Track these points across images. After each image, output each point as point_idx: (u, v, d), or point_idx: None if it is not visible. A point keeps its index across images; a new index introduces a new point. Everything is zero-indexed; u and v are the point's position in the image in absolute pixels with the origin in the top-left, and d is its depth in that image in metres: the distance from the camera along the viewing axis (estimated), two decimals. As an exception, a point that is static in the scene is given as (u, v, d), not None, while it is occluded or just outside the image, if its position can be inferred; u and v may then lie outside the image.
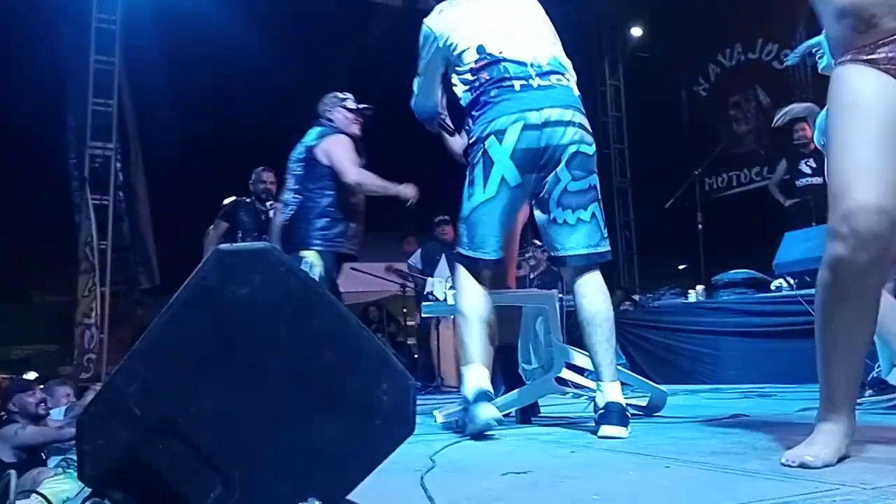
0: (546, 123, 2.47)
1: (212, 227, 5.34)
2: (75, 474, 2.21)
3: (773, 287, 5.23)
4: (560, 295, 6.23)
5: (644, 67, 10.23)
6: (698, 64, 9.50)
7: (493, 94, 2.52)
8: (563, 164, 2.50)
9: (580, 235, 2.53)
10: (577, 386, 3.90)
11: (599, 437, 2.38)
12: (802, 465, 1.58)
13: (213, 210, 5.74)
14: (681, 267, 9.70)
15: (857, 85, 1.56)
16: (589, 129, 2.60)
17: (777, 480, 1.51)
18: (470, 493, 1.61)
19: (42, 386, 4.56)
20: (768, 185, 7.22)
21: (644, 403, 3.17)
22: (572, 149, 2.50)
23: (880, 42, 1.55)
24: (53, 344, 9.80)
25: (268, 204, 5.26)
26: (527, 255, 6.96)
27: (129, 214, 8.31)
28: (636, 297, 7.86)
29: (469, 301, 2.59)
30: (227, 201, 5.37)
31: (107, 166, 7.61)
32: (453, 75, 2.69)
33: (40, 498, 1.40)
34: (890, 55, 1.54)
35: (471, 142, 2.62)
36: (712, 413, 3.09)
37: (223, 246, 1.12)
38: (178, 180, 8.29)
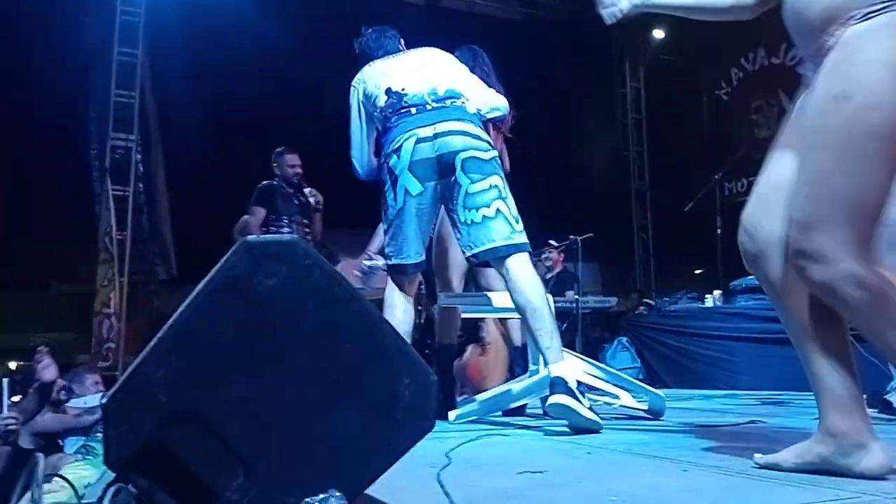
0: (437, 135, 2.73)
1: (247, 215, 5.14)
2: (95, 460, 2.23)
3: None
4: (576, 296, 6.25)
5: (665, 70, 10.18)
6: (721, 68, 9.44)
7: (393, 120, 2.85)
8: (458, 169, 2.71)
9: (489, 231, 2.70)
10: (591, 389, 3.90)
11: (547, 406, 2.59)
12: (768, 465, 1.63)
13: (231, 203, 5.75)
14: (697, 271, 9.65)
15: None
16: (484, 138, 2.81)
17: (796, 487, 1.50)
18: (487, 489, 1.62)
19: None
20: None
21: (645, 407, 3.17)
22: (465, 154, 2.72)
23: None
24: (70, 332, 9.89)
25: (306, 190, 5.14)
26: (542, 256, 6.95)
27: (149, 206, 8.38)
28: (651, 301, 7.84)
29: (394, 317, 2.79)
30: (261, 185, 5.17)
31: (128, 158, 7.67)
32: (375, 122, 2.98)
33: (63, 482, 1.42)
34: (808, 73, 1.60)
35: (378, 164, 2.94)
36: (729, 419, 3.08)
37: (251, 237, 1.13)
38: (197, 173, 8.33)
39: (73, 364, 6.72)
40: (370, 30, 3.19)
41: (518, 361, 5.37)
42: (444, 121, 2.76)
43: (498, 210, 2.71)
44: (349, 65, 3.19)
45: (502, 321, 5.53)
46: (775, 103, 8.65)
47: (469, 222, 2.73)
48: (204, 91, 7.99)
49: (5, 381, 3.75)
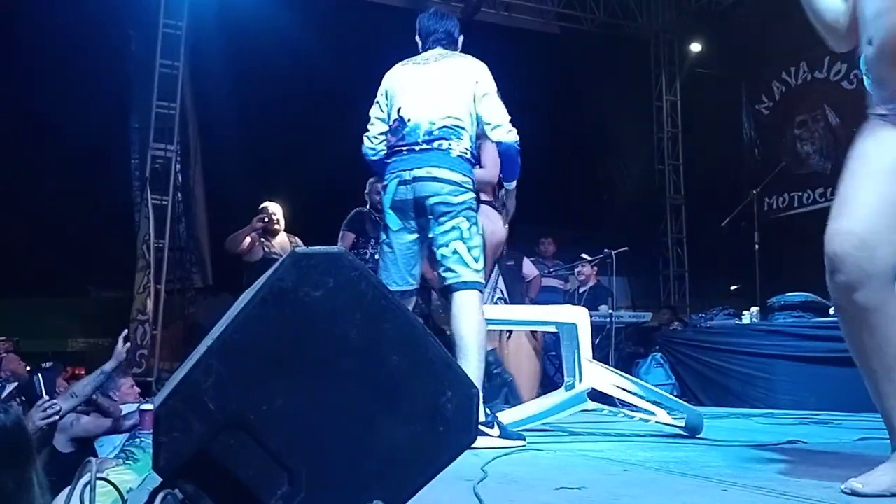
0: (414, 178, 3.00)
1: (339, 237, 5.46)
2: (136, 465, 2.27)
3: (832, 311, 5.09)
4: (610, 311, 6.21)
5: (702, 84, 10.09)
6: (762, 82, 9.31)
7: (390, 159, 3.13)
8: (429, 212, 2.99)
9: (454, 264, 2.96)
10: (624, 404, 3.88)
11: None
12: (851, 492, 1.57)
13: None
14: (733, 287, 9.52)
15: (864, 139, 1.74)
16: (459, 181, 3.00)
17: (842, 510, 1.48)
18: (525, 505, 1.61)
19: None
20: (831, 206, 7.03)
21: (682, 425, 3.13)
22: (434, 199, 2.97)
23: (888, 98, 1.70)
24: (108, 338, 10.04)
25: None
26: (575, 271, 6.91)
27: (186, 215, 8.51)
28: (684, 318, 7.75)
29: None
30: (353, 211, 5.51)
31: (167, 167, 7.80)
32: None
33: (108, 485, 1.44)
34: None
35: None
36: (767, 438, 3.03)
37: (299, 249, 1.14)
38: (234, 183, 8.46)
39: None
40: (432, 10, 3.40)
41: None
42: (423, 166, 3.00)
43: (455, 250, 2.96)
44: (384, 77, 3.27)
45: (534, 335, 5.53)
46: (821, 117, 8.50)
47: (440, 258, 3.00)
48: (243, 103, 8.12)
49: (39, 375, 3.83)
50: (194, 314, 8.93)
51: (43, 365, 6.08)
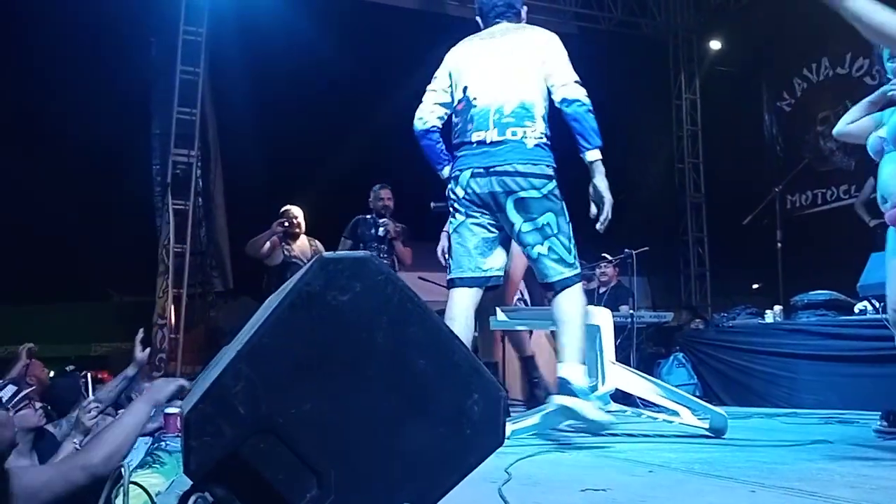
0: (490, 173, 2.91)
1: (339, 245, 5.69)
2: (163, 469, 2.29)
3: (856, 310, 5.03)
4: (631, 311, 6.17)
5: (721, 82, 10.02)
6: (782, 79, 9.22)
7: (458, 143, 3.05)
8: (510, 209, 2.92)
9: (546, 267, 2.95)
10: (646, 404, 3.86)
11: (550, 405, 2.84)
12: None
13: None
14: (755, 286, 9.43)
15: None
16: (538, 173, 2.91)
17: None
18: (551, 506, 1.61)
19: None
20: (854, 203, 6.96)
21: (706, 426, 3.11)
22: (515, 196, 2.91)
23: None
24: (130, 342, 10.12)
25: (380, 221, 5.59)
26: (598, 271, 6.88)
27: (207, 220, 8.59)
28: (705, 316, 7.68)
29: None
30: (353, 220, 5.71)
31: (188, 173, 7.87)
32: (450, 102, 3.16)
33: (137, 489, 1.46)
34: None
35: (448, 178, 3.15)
36: (792, 438, 3.00)
37: (327, 254, 1.15)
38: (253, 188, 8.53)
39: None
40: None
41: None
42: (501, 164, 2.90)
43: (550, 248, 2.93)
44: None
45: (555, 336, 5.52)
46: (842, 113, 8.38)
47: (531, 256, 2.99)
48: (262, 109, 8.19)
49: (88, 374, 3.90)
50: (215, 318, 9.00)
51: (66, 369, 6.15)
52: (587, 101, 2.92)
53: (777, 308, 5.75)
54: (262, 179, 8.53)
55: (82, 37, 7.65)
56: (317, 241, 5.93)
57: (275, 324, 1.11)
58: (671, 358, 6.26)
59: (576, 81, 2.94)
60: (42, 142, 8.84)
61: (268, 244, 5.66)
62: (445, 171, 3.16)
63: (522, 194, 2.90)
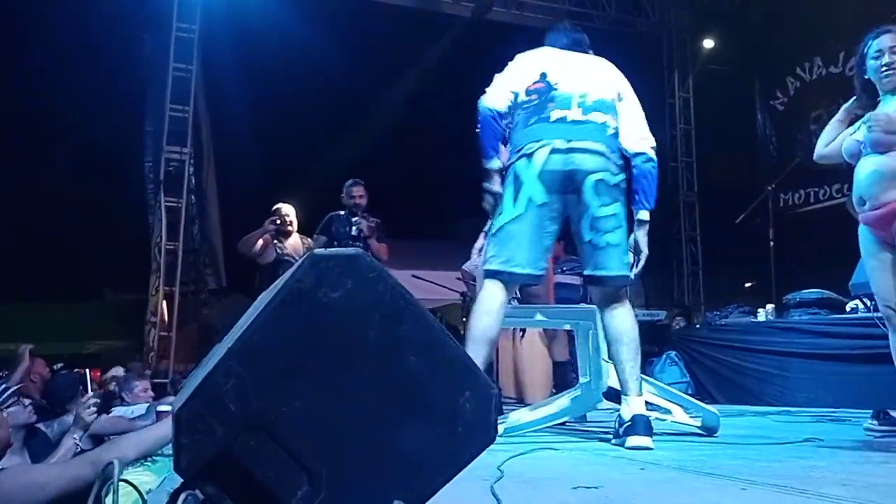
0: (571, 150, 2.68)
1: (313, 241, 5.67)
2: (154, 467, 2.28)
3: (848, 308, 5.06)
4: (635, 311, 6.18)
5: (715, 80, 10.04)
6: (775, 77, 9.25)
7: (531, 121, 2.77)
8: (588, 190, 2.68)
9: (611, 258, 2.73)
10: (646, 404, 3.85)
11: (627, 448, 2.54)
12: None
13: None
14: (748, 284, 9.46)
15: None
16: (617, 161, 2.76)
17: (862, 507, 1.47)
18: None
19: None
20: (846, 202, 6.98)
21: (699, 424, 3.12)
22: (595, 176, 2.68)
23: None
24: (123, 340, 10.11)
25: (353, 219, 5.54)
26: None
27: (200, 217, 8.57)
28: (689, 314, 7.68)
29: (481, 322, 2.73)
30: (326, 217, 5.66)
31: (181, 170, 7.83)
32: (518, 100, 2.85)
33: (128, 486, 1.45)
34: None
35: (507, 164, 2.82)
36: (784, 436, 3.02)
37: (318, 251, 1.15)
38: (246, 185, 8.51)
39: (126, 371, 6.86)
40: (563, 24, 3.12)
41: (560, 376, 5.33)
42: (581, 138, 2.70)
43: (621, 239, 2.75)
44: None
45: (546, 334, 5.52)
46: (836, 112, 8.39)
47: (594, 244, 2.73)
48: (255, 106, 8.17)
49: (87, 371, 3.88)
50: (208, 315, 8.99)
51: (54, 367, 6.13)
52: (656, 159, 2.88)
53: (769, 306, 5.77)
54: (255, 177, 8.51)
55: (74, 35, 7.63)
56: (309, 238, 5.92)
57: (266, 321, 1.11)
58: (664, 356, 6.28)
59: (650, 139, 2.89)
60: (34, 140, 8.81)
61: (260, 242, 5.65)
62: (495, 164, 2.81)
63: (603, 175, 2.69)
